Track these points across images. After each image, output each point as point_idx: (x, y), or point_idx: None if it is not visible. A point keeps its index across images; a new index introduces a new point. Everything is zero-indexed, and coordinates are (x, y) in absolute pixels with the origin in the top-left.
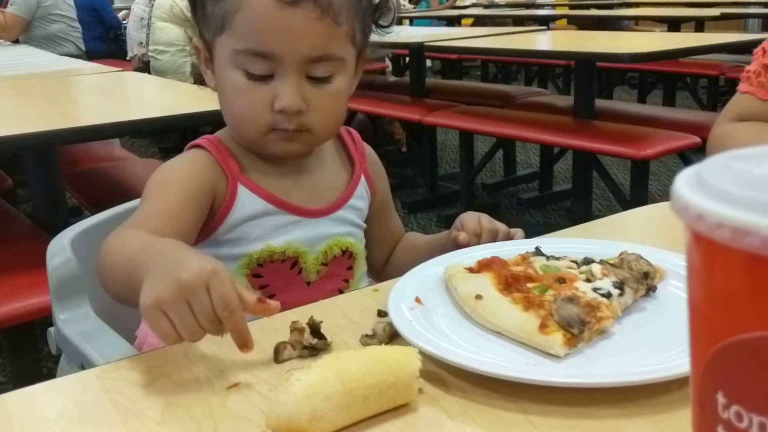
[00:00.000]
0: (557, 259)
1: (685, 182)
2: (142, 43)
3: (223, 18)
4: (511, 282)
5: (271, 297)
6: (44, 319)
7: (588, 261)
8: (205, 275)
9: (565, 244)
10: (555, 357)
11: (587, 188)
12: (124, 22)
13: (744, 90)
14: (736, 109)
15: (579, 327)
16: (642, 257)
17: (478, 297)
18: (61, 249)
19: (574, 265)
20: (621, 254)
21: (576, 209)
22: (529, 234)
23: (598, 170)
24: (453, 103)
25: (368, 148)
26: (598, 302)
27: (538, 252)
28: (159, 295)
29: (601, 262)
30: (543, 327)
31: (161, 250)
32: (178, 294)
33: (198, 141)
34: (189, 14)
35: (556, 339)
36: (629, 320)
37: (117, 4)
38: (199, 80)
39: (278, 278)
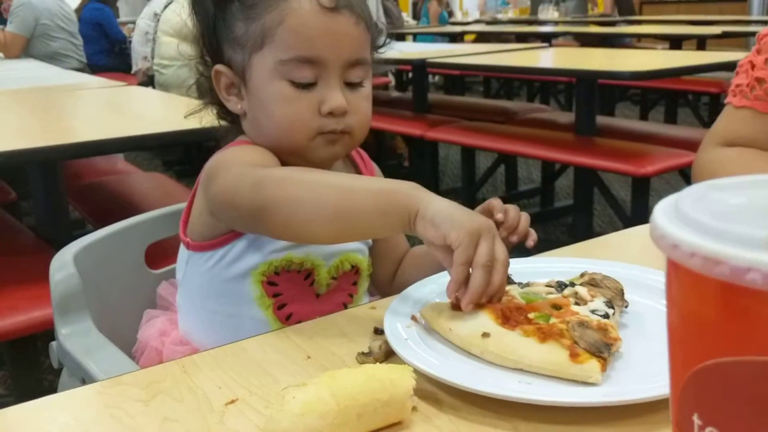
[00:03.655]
0: (527, 285)
1: (663, 212)
2: (146, 57)
3: (262, 34)
4: (509, 314)
5: (283, 306)
6: (45, 332)
7: (561, 284)
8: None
9: (522, 264)
10: (545, 377)
11: (588, 204)
12: (129, 36)
13: (740, 104)
14: (730, 126)
15: (607, 351)
16: (607, 275)
17: (486, 335)
18: (64, 264)
19: (551, 289)
20: (583, 274)
21: (577, 225)
22: (529, 252)
23: (598, 187)
24: (455, 118)
25: (376, 168)
26: (605, 324)
27: (509, 280)
28: (481, 224)
29: (572, 283)
30: (574, 356)
31: (424, 189)
32: (487, 232)
33: (238, 143)
34: (198, 42)
35: (593, 367)
36: None
37: (122, 18)
38: (202, 95)
39: (292, 288)
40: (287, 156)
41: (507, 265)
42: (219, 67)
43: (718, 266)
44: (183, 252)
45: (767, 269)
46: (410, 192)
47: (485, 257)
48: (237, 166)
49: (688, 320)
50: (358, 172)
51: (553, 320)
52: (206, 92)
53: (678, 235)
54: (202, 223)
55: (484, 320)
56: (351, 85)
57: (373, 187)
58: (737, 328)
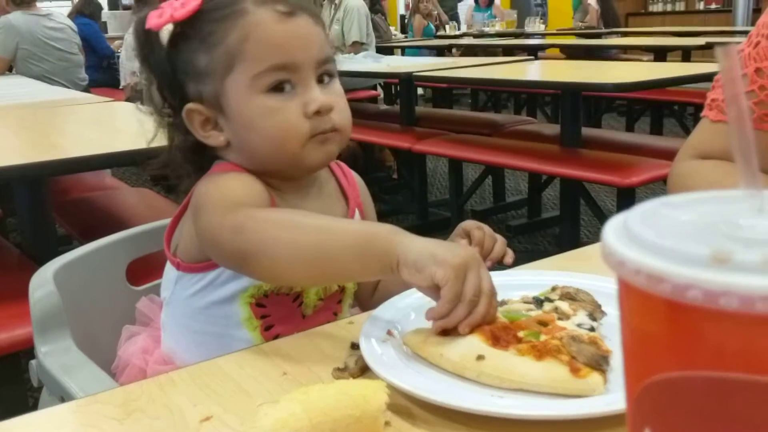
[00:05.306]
0: (503, 302)
1: (612, 229)
2: (134, 72)
3: (229, 55)
4: (499, 334)
5: (269, 327)
6: (30, 349)
7: (538, 300)
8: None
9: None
10: (515, 391)
11: (575, 215)
12: (117, 52)
13: (716, 119)
14: (705, 139)
15: (605, 363)
16: (579, 288)
17: (480, 357)
18: (43, 282)
19: (530, 305)
20: (554, 288)
21: (564, 236)
22: (517, 262)
23: (584, 198)
24: (442, 131)
25: (357, 178)
26: (594, 337)
27: None
28: (465, 257)
29: (546, 297)
30: (575, 371)
31: (403, 232)
32: (473, 264)
33: (223, 167)
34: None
35: (597, 380)
36: None
37: (110, 34)
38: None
39: (280, 310)
40: (282, 168)
41: (491, 296)
42: (190, 105)
43: (661, 284)
44: (171, 271)
45: (708, 287)
46: (388, 236)
47: (472, 292)
48: (221, 205)
49: (637, 336)
50: (338, 182)
51: (543, 337)
52: (179, 135)
53: (624, 253)
54: (194, 246)
55: (475, 343)
56: (324, 86)
57: (351, 229)
58: (682, 344)
